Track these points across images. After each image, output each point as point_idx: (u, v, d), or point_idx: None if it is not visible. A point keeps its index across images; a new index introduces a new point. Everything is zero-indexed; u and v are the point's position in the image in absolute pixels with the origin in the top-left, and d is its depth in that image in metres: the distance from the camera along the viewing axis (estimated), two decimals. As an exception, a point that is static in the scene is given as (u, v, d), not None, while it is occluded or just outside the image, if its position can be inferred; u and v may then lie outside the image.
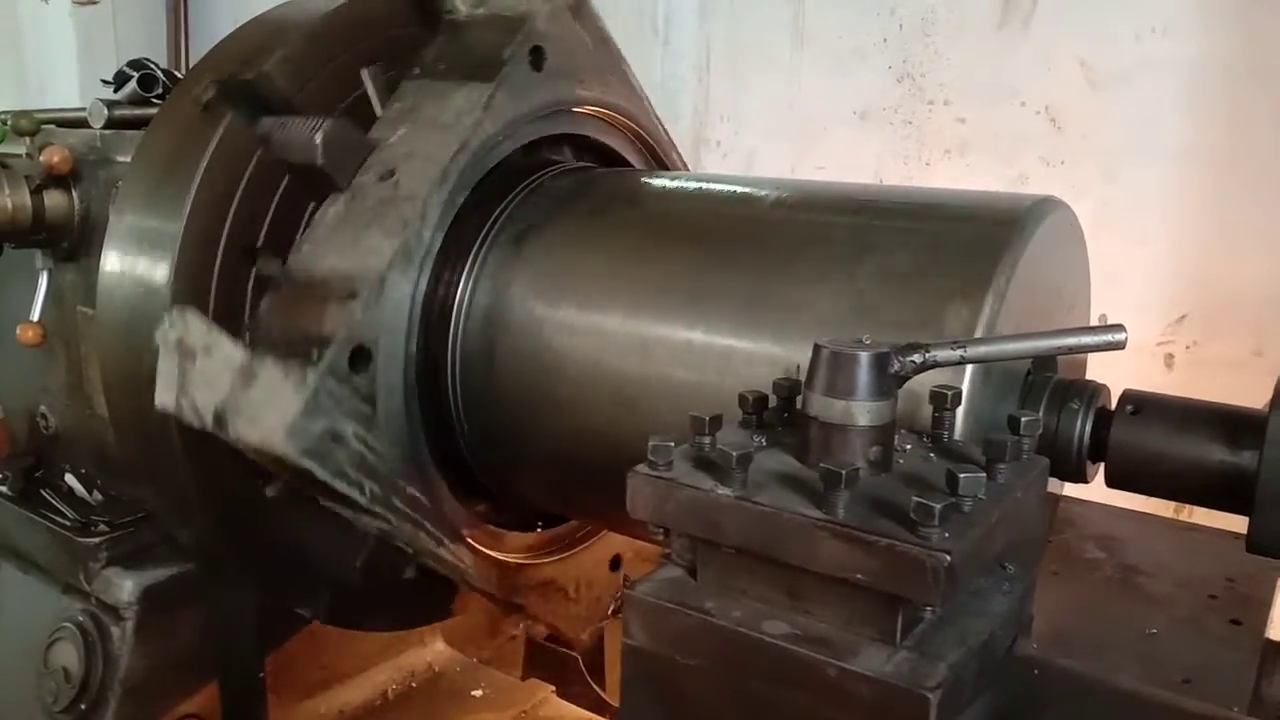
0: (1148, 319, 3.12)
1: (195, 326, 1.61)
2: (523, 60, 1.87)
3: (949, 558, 1.00)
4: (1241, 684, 1.44)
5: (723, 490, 1.14)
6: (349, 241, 1.72)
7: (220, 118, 1.86)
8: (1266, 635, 1.43)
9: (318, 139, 1.70)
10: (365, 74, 1.90)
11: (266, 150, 1.78)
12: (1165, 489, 1.50)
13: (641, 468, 1.20)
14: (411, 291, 1.75)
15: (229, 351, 1.60)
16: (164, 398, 1.64)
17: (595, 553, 2.25)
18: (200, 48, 3.76)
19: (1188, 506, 1.91)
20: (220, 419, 1.60)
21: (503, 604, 2.05)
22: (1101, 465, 1.52)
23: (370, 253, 1.71)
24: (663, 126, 2.28)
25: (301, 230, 1.83)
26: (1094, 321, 1.83)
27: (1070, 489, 1.73)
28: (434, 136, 1.79)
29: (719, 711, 1.16)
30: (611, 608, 2.92)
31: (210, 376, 1.60)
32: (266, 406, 1.58)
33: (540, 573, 2.13)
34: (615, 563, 2.32)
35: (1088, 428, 1.49)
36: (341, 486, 1.65)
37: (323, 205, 1.77)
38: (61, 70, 4.95)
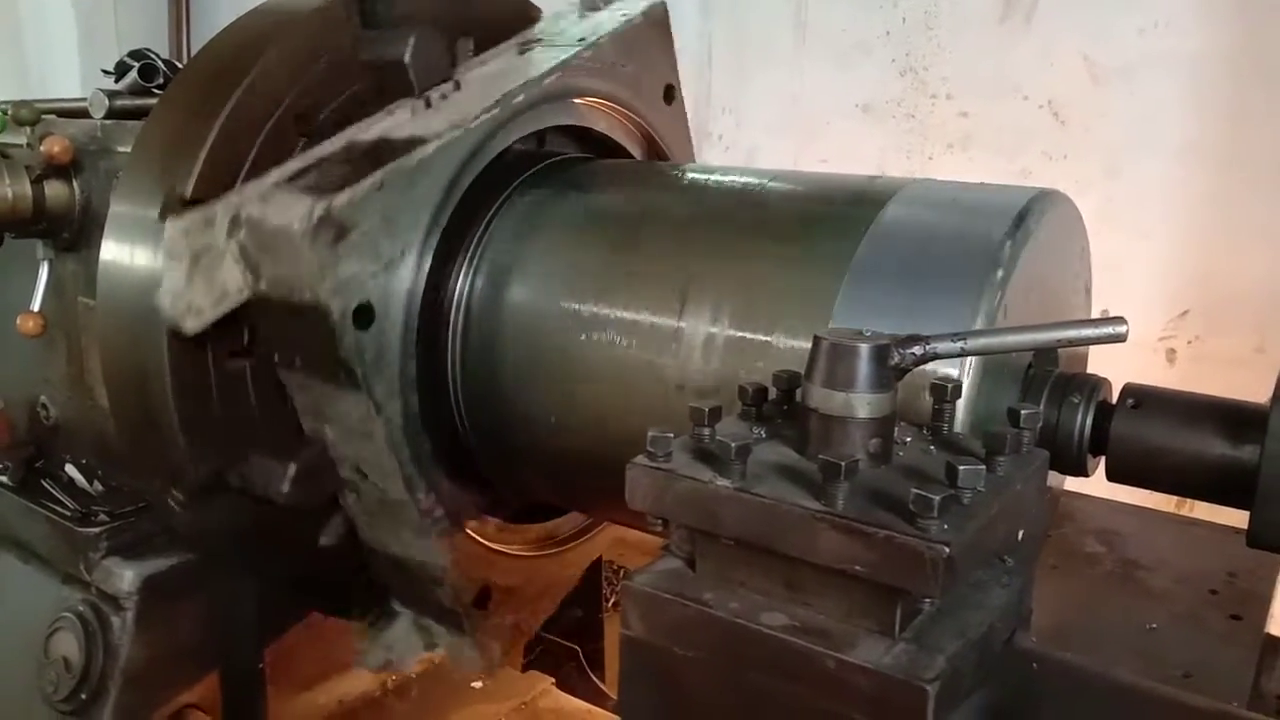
0: (1150, 314, 3.12)
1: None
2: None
3: (948, 549, 1.00)
4: (1241, 679, 1.44)
5: (721, 481, 1.14)
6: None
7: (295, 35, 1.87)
8: (1267, 630, 1.43)
9: (412, 38, 1.81)
10: (460, 43, 1.96)
11: (358, 47, 1.85)
12: (1166, 483, 1.50)
13: (640, 459, 1.20)
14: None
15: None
16: (166, 300, 1.68)
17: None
18: (201, 38, 3.76)
19: (1189, 501, 1.91)
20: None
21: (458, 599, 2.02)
22: (1102, 459, 1.52)
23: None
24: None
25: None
26: (1096, 315, 1.83)
27: (1070, 483, 1.73)
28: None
29: (717, 703, 1.16)
30: (611, 600, 2.92)
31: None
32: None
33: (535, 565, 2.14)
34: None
35: (1088, 421, 1.49)
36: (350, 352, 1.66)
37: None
38: (63, 61, 4.95)
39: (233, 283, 1.67)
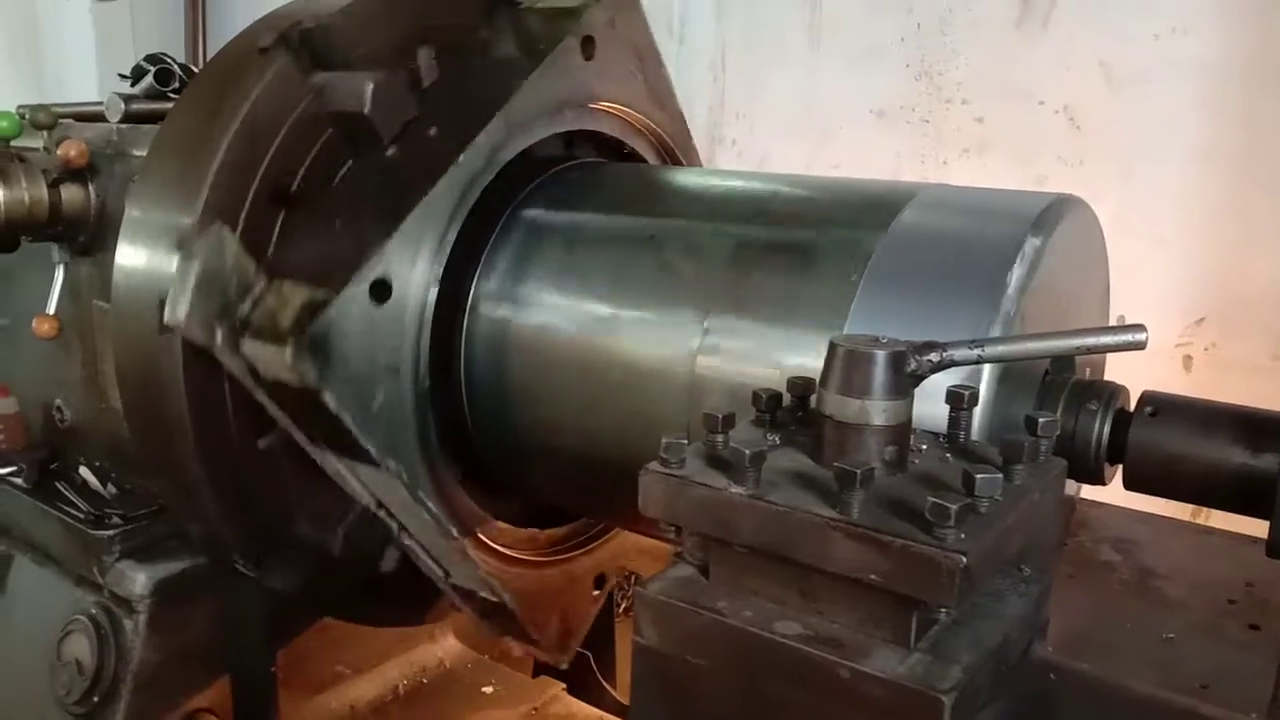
0: (1166, 320, 3.10)
1: (224, 243, 1.67)
2: (574, 49, 1.92)
3: (965, 559, 0.99)
4: (1260, 689, 1.42)
5: (735, 489, 1.13)
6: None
7: (255, 84, 1.85)
8: (1285, 641, 1.41)
9: (369, 87, 1.74)
10: (422, 53, 1.90)
11: (317, 99, 1.80)
12: (1184, 492, 1.48)
13: (654, 465, 1.19)
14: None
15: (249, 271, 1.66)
16: (174, 314, 1.69)
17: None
18: (217, 43, 3.77)
19: (1206, 510, 1.89)
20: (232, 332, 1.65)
21: (480, 615, 2.03)
22: (1120, 467, 1.50)
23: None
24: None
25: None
26: (1113, 322, 1.82)
27: (1086, 490, 1.72)
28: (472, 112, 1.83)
29: (730, 712, 1.15)
30: (623, 606, 2.91)
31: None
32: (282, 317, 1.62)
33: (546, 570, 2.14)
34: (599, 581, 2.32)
35: (1106, 429, 1.47)
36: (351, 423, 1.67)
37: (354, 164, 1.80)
38: (80, 65, 4.97)
39: (239, 369, 1.71)
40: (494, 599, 1.94)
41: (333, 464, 1.74)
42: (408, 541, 1.85)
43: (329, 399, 1.63)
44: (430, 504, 1.82)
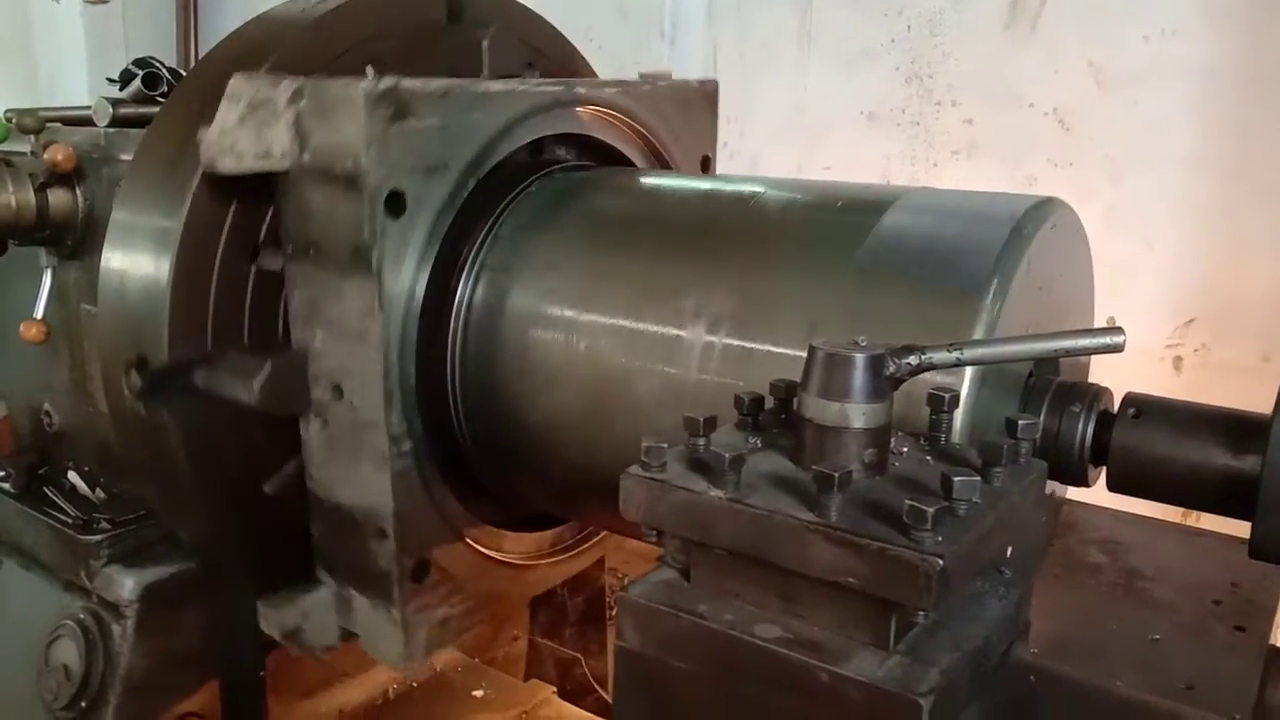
0: (1156, 322, 3.10)
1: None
2: None
3: (941, 561, 0.99)
4: (1245, 691, 1.42)
5: (715, 492, 1.13)
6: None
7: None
8: (1271, 642, 1.42)
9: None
10: (369, 71, 1.90)
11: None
12: (1167, 493, 1.49)
13: (635, 469, 1.19)
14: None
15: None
16: (213, 134, 1.71)
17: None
18: (208, 46, 3.78)
19: (1195, 511, 1.89)
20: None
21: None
22: (1103, 469, 1.51)
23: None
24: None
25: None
26: (1102, 324, 1.82)
27: (1073, 492, 1.72)
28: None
29: (711, 715, 1.16)
30: (613, 609, 2.91)
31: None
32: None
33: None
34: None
35: (1089, 431, 1.48)
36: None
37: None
38: (71, 68, 4.97)
39: (278, 145, 1.70)
40: (382, 532, 1.84)
41: (319, 281, 1.76)
42: (316, 429, 1.83)
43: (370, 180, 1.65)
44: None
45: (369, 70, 1.72)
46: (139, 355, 1.86)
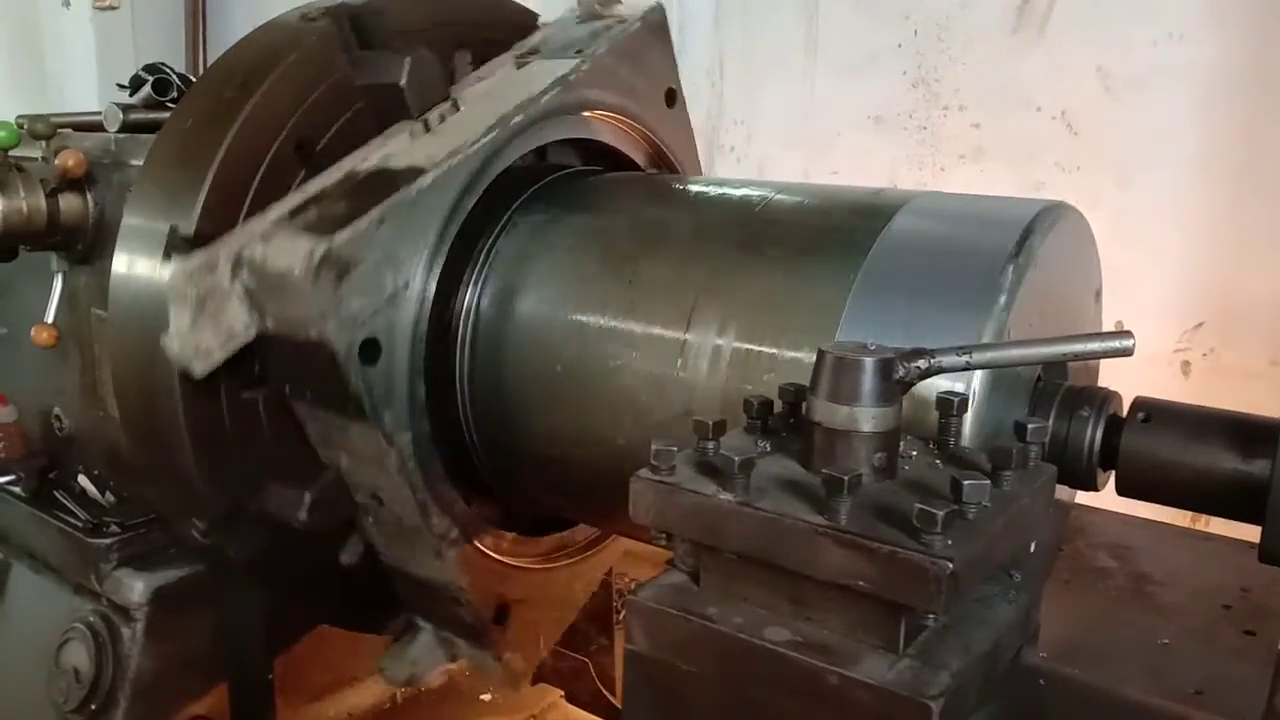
0: (1164, 326, 3.09)
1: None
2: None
3: (951, 565, 0.99)
4: (1255, 696, 1.41)
5: (725, 495, 1.13)
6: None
7: (254, 91, 1.87)
8: (1281, 647, 1.41)
9: (407, 60, 1.78)
10: (458, 57, 1.97)
11: (355, 70, 1.83)
12: (1176, 498, 1.48)
13: (644, 472, 1.20)
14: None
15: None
16: (174, 343, 1.69)
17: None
18: (217, 52, 3.79)
19: (1203, 515, 1.89)
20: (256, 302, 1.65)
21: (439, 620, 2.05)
22: (1112, 473, 1.50)
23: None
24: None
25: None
26: (1110, 328, 1.82)
27: (1082, 496, 1.72)
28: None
29: (720, 718, 1.16)
30: (621, 613, 2.91)
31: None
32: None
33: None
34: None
35: (1098, 435, 1.47)
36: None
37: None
38: (81, 74, 4.99)
39: (239, 322, 1.68)
40: (457, 599, 1.92)
41: (325, 420, 1.75)
42: (369, 524, 1.86)
43: (339, 345, 1.63)
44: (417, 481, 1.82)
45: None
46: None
